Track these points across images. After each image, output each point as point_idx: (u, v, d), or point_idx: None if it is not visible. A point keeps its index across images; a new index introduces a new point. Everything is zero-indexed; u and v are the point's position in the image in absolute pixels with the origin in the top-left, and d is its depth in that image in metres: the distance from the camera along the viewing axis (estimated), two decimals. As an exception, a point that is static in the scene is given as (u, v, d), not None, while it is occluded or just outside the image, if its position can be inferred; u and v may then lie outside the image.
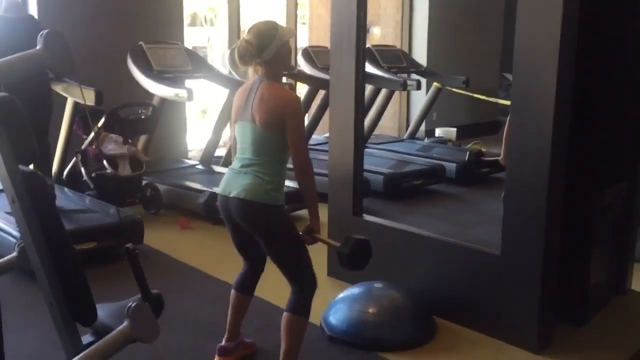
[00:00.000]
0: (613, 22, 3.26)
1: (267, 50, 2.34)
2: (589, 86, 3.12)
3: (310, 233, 2.47)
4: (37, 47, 3.30)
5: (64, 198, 4.51)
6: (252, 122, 2.38)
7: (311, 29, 10.39)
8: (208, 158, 5.85)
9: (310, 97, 6.60)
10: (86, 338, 2.00)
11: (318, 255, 3.70)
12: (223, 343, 2.72)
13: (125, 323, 1.70)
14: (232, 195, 2.41)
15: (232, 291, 2.72)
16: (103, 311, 2.06)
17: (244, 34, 2.41)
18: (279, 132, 2.35)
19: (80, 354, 1.68)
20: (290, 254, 2.46)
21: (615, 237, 3.38)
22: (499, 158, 4.33)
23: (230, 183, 2.44)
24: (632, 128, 3.39)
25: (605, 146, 3.31)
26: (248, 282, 2.72)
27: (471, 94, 7.64)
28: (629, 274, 3.57)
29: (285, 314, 2.47)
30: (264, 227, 2.43)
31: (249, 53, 2.35)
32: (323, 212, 3.89)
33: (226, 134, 6.29)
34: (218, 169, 5.72)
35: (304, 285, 2.46)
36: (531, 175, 2.74)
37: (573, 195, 2.93)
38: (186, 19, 7.21)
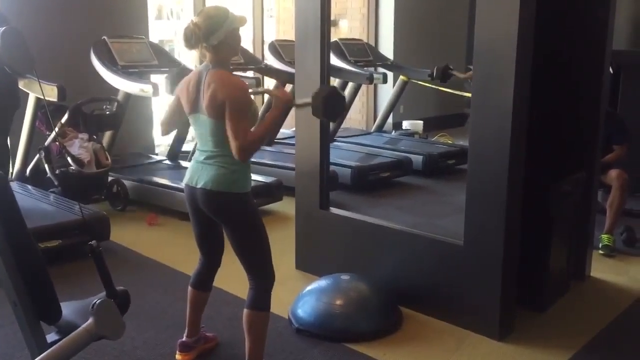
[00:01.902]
0: (569, 18, 3.36)
1: (215, 35, 2.31)
2: (547, 81, 3.21)
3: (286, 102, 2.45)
4: None
5: (28, 196, 4.43)
6: (205, 114, 2.35)
7: (278, 22, 10.36)
8: (175, 153, 5.81)
9: (278, 91, 6.58)
10: (51, 336, 2.00)
11: (286, 248, 3.76)
12: (183, 339, 2.73)
13: (90, 320, 1.70)
14: (199, 186, 2.40)
15: (190, 288, 2.71)
16: (68, 309, 2.06)
17: (194, 17, 2.38)
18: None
19: (45, 353, 1.67)
20: (253, 244, 2.45)
21: (574, 225, 3.48)
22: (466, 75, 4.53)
23: (196, 174, 2.43)
24: (589, 120, 3.50)
25: (563, 137, 3.42)
26: (205, 278, 2.71)
27: (437, 87, 7.72)
28: (588, 260, 3.69)
29: (245, 310, 2.47)
30: (231, 215, 2.43)
31: (195, 36, 2.31)
32: (291, 206, 3.95)
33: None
34: (185, 164, 5.69)
35: (263, 279, 2.47)
36: (492, 166, 2.81)
37: (533, 185, 3.01)
38: (152, 13, 7.14)
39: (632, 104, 5.22)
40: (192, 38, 2.33)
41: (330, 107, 2.42)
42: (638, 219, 4.74)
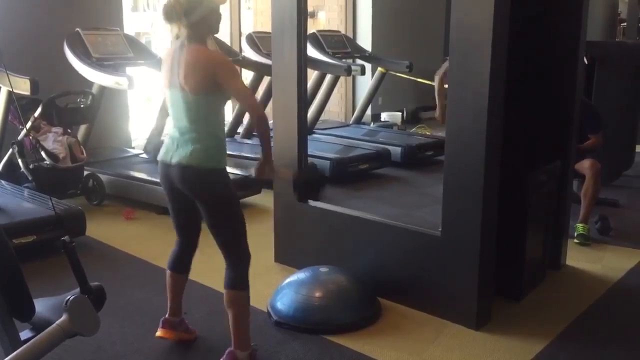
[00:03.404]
0: (544, 9, 3.39)
1: (194, 12, 2.31)
2: (523, 71, 3.23)
3: (264, 166, 2.50)
4: None
5: (1, 191, 4.36)
6: (182, 90, 2.33)
7: (256, 14, 10.30)
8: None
9: (255, 83, 6.56)
10: (25, 333, 1.97)
11: (265, 241, 3.75)
12: (167, 316, 2.72)
13: (63, 317, 1.68)
14: (173, 161, 2.40)
15: (168, 271, 2.71)
16: (42, 305, 2.03)
17: None
18: (212, 94, 2.33)
19: (18, 350, 1.65)
20: (228, 220, 2.45)
21: (550, 214, 3.53)
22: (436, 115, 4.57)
23: (170, 150, 2.42)
24: (564, 111, 3.53)
25: (538, 127, 3.45)
26: (183, 260, 2.71)
27: (414, 79, 7.75)
28: (564, 249, 3.74)
29: (225, 291, 2.48)
30: (206, 191, 2.42)
31: (175, 12, 2.31)
32: (269, 199, 3.94)
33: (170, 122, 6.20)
34: (162, 157, 5.64)
35: (239, 258, 2.47)
36: (468, 157, 2.82)
37: (509, 175, 3.03)
38: (128, 4, 7.05)
39: (606, 95, 5.29)
40: (172, 13, 2.32)
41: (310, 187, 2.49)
42: (612, 208, 4.83)
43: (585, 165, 4.20)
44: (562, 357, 2.77)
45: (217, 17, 2.42)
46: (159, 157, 2.48)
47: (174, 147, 2.41)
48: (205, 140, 2.36)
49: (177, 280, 2.71)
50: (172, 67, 2.37)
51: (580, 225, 4.14)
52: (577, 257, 3.83)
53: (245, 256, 2.49)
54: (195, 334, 2.85)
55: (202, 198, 2.43)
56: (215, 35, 2.60)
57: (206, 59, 2.34)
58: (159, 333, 2.71)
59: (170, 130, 2.48)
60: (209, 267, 2.79)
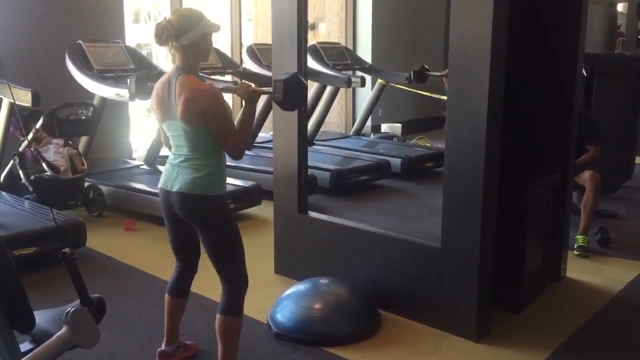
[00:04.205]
0: (542, 21, 3.41)
1: (186, 35, 2.30)
2: (521, 83, 3.25)
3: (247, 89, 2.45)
4: None
5: (2, 202, 4.37)
6: (179, 120, 2.34)
7: (257, 26, 10.35)
8: (152, 158, 5.76)
9: (256, 95, 6.58)
10: (25, 345, 1.97)
11: (265, 252, 3.75)
12: (163, 348, 2.71)
13: (63, 329, 1.68)
14: (174, 189, 2.40)
15: (167, 296, 2.69)
16: (42, 317, 2.03)
17: (169, 15, 2.39)
18: (205, 126, 2.32)
19: (17, 362, 1.65)
20: (227, 248, 2.45)
21: (549, 226, 3.53)
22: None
23: (171, 177, 2.42)
24: (563, 122, 3.55)
25: (537, 139, 3.46)
26: (182, 284, 2.69)
27: (414, 90, 7.78)
28: (563, 261, 3.74)
29: (217, 315, 2.47)
30: (205, 218, 2.42)
31: (167, 32, 2.30)
32: (269, 210, 3.94)
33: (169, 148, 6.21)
34: (163, 168, 5.64)
35: (236, 284, 2.46)
36: (467, 169, 2.83)
37: (508, 187, 3.04)
38: (129, 16, 7.08)
39: (605, 106, 5.32)
40: (163, 34, 2.32)
41: (290, 94, 2.39)
42: (612, 219, 4.83)
43: (585, 177, 4.21)
44: (562, 370, 2.76)
45: (209, 44, 2.40)
46: (159, 185, 2.48)
47: (174, 175, 2.41)
48: (204, 168, 2.37)
49: (175, 305, 2.69)
50: (164, 99, 2.38)
51: (580, 237, 4.14)
52: (577, 269, 3.83)
53: (242, 282, 2.49)
54: (196, 348, 2.84)
55: (201, 225, 2.44)
56: (216, 47, 2.60)
57: (193, 90, 2.30)
58: None
59: (170, 156, 2.48)
60: (207, 278, 2.78)
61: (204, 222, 2.43)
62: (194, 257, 2.64)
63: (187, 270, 2.67)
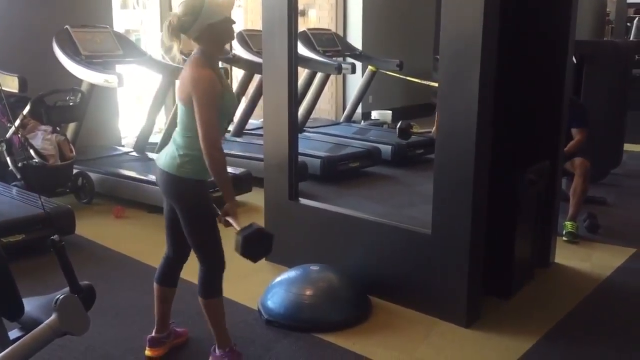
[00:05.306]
0: (532, 8, 3.40)
1: (192, 28, 2.29)
2: (512, 71, 3.25)
3: (225, 216, 2.44)
4: None
5: (-11, 189, 4.33)
6: (178, 99, 2.41)
7: (246, 12, 10.27)
8: (142, 145, 5.72)
9: (246, 81, 6.56)
10: (14, 333, 1.96)
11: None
12: (153, 334, 2.70)
13: (53, 316, 1.67)
14: (159, 165, 2.47)
15: (155, 285, 2.67)
16: (31, 305, 2.01)
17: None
18: (192, 109, 2.32)
19: (6, 350, 1.64)
20: (198, 230, 2.46)
21: (539, 213, 3.55)
22: (432, 130, 4.46)
23: (162, 152, 2.49)
24: (553, 110, 3.55)
25: (527, 126, 3.47)
26: (170, 273, 2.67)
27: (405, 77, 7.77)
28: (553, 247, 3.76)
29: (199, 298, 2.51)
30: (176, 199, 2.44)
31: (172, 29, 2.30)
32: (260, 197, 3.93)
33: (160, 120, 6.17)
34: (153, 155, 5.62)
35: (208, 265, 2.48)
36: (458, 156, 2.84)
37: (499, 174, 3.05)
38: (117, 2, 7.00)
39: (594, 93, 5.33)
40: (169, 30, 2.32)
41: (250, 248, 2.31)
42: (601, 206, 4.87)
43: (574, 164, 4.23)
44: (551, 354, 2.79)
45: (217, 33, 2.32)
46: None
47: (165, 150, 2.48)
48: (182, 149, 2.38)
49: (164, 294, 2.67)
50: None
51: (569, 223, 4.17)
52: (565, 255, 3.86)
53: (216, 264, 2.49)
54: (187, 335, 2.84)
55: (177, 204, 2.45)
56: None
57: (188, 72, 2.32)
58: (148, 353, 2.68)
59: None
60: (196, 265, 2.78)
61: (178, 201, 2.45)
62: (182, 244, 2.58)
63: (175, 257, 2.65)
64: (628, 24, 12.13)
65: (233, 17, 2.39)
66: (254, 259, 2.37)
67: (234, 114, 2.47)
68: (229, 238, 2.41)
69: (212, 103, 2.29)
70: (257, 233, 2.34)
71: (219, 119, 2.35)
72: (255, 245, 2.34)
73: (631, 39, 11.21)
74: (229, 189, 2.41)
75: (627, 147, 6.13)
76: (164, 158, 2.45)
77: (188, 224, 2.45)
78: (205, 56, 2.35)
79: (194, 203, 2.44)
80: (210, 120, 2.28)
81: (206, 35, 2.32)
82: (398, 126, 4.90)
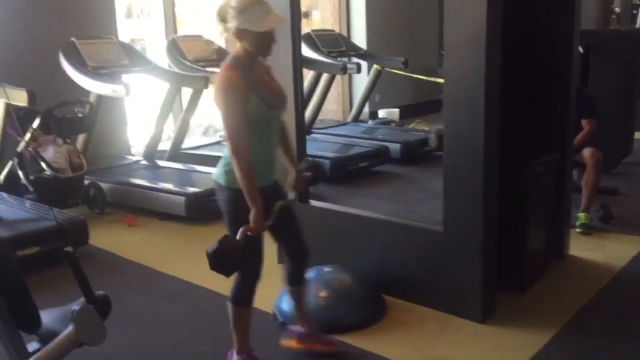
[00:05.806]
0: (539, 1, 3.39)
1: (231, 20, 2.25)
2: (518, 63, 3.23)
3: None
4: None
5: (2, 203, 4.37)
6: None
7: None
8: (151, 153, 5.76)
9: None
10: (32, 345, 1.97)
11: (268, 243, 3.73)
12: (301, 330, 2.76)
13: (70, 327, 1.69)
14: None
15: (288, 287, 2.73)
16: (48, 317, 2.04)
17: None
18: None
19: (25, 362, 1.66)
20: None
21: (551, 205, 3.53)
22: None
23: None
24: (561, 101, 3.53)
25: (535, 118, 3.45)
26: (294, 272, 2.71)
27: (411, 75, 7.75)
28: (566, 239, 3.74)
29: (227, 301, 2.52)
30: (220, 206, 2.46)
31: (219, 14, 2.29)
32: (270, 201, 3.93)
33: (168, 128, 6.20)
34: (162, 163, 5.65)
35: (243, 274, 2.47)
36: (467, 151, 2.83)
37: (508, 168, 3.04)
38: (121, 11, 7.04)
39: (602, 83, 5.29)
40: (217, 13, 2.30)
41: (218, 263, 2.24)
42: (613, 196, 4.83)
43: (585, 155, 4.20)
44: (569, 347, 2.77)
45: (252, 40, 2.27)
46: None
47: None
48: (225, 157, 2.39)
49: (293, 293, 2.74)
50: None
51: (582, 214, 4.15)
52: (579, 247, 3.84)
53: (249, 274, 2.48)
54: (333, 348, 2.77)
55: (223, 212, 2.46)
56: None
57: (217, 81, 2.31)
58: (287, 343, 2.77)
59: None
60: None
61: (221, 208, 2.46)
62: (290, 240, 2.68)
63: (292, 256, 2.71)
64: (634, 12, 12.03)
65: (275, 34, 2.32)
66: (226, 274, 2.30)
67: (274, 121, 2.40)
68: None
69: (232, 109, 2.23)
70: (220, 248, 2.23)
71: (244, 125, 2.24)
72: (223, 260, 2.24)
73: (637, 26, 11.12)
74: (250, 198, 2.29)
75: (638, 135, 6.08)
76: (216, 169, 2.46)
77: (227, 231, 2.44)
78: (235, 59, 2.31)
79: (233, 213, 2.41)
80: (232, 127, 2.24)
81: (239, 36, 2.29)
82: (435, 132, 4.84)
